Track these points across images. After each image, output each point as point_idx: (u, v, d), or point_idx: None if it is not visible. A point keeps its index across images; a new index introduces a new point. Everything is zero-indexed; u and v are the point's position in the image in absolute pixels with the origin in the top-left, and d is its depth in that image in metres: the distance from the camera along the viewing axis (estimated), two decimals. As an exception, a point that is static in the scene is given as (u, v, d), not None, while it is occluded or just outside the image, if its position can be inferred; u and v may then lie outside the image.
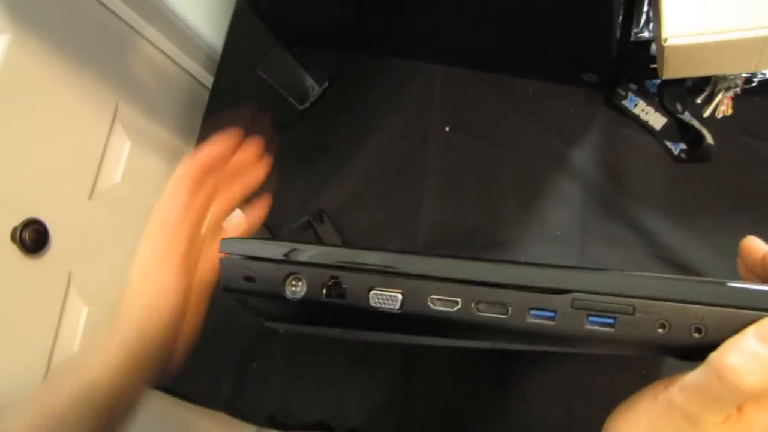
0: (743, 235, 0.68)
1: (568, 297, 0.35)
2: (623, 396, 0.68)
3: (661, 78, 0.69)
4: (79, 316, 0.81)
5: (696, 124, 0.72)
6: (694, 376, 0.32)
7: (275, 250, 0.40)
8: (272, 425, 0.80)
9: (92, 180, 0.84)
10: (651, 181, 0.74)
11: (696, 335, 0.33)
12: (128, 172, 0.89)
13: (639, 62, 0.74)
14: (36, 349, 0.76)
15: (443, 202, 0.81)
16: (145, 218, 0.92)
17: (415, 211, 0.81)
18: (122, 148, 0.90)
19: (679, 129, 0.74)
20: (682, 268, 0.69)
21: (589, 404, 0.69)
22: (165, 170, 0.97)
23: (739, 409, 0.32)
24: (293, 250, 0.40)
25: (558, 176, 0.77)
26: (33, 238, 0.74)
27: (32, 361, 0.75)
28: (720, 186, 0.71)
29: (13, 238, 0.72)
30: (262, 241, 0.42)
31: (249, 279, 0.41)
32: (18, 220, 0.73)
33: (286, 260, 0.40)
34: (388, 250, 0.38)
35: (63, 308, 0.79)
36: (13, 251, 0.72)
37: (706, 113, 0.73)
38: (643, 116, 0.75)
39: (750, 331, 0.31)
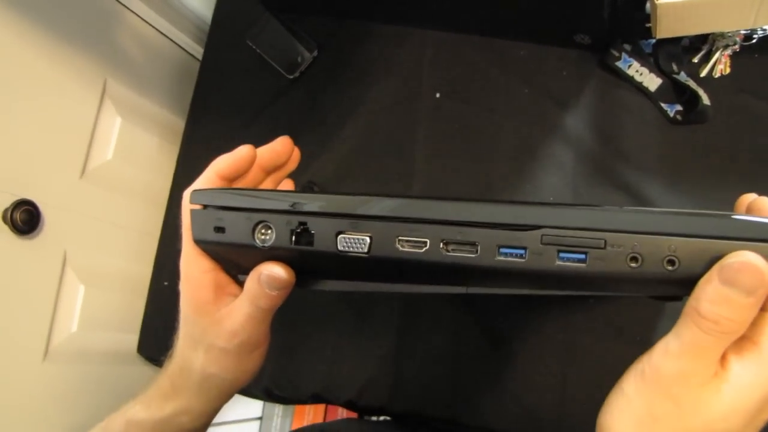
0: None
1: (538, 233, 0.34)
2: (617, 363, 0.67)
3: (655, 37, 0.67)
4: (75, 295, 0.82)
5: (692, 84, 0.70)
6: (674, 336, 0.32)
7: (245, 199, 0.40)
8: (268, 399, 0.81)
9: (83, 158, 0.84)
10: (645, 144, 0.72)
11: (669, 268, 0.32)
12: (120, 149, 0.89)
13: (632, 21, 0.71)
14: (34, 331, 0.76)
15: (434, 170, 0.79)
16: (138, 194, 0.93)
17: (406, 179, 0.80)
18: (113, 124, 0.89)
19: (674, 90, 0.72)
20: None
21: (582, 371, 0.69)
22: (157, 145, 0.97)
23: (723, 363, 0.32)
24: (262, 198, 0.40)
25: (550, 141, 0.75)
26: (24, 219, 0.74)
27: (30, 343, 0.76)
28: (717, 148, 0.69)
29: (4, 219, 0.72)
30: (231, 191, 0.42)
31: (219, 230, 0.41)
32: (8, 201, 0.72)
33: (255, 208, 0.39)
34: (356, 194, 0.38)
35: (59, 288, 0.79)
36: (5, 233, 0.72)
37: (703, 73, 0.71)
38: (637, 77, 0.73)
39: (715, 276, 0.30)
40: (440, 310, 0.75)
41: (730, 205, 0.67)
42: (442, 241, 0.36)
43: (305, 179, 0.84)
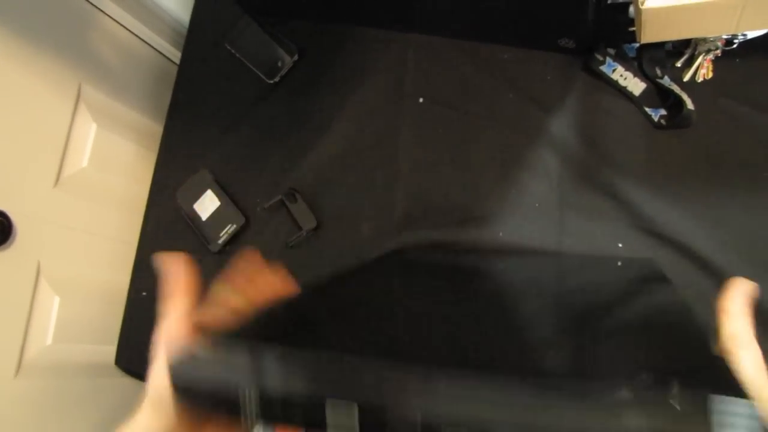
0: (725, 202, 0.67)
1: None
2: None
3: (639, 42, 0.66)
4: (50, 306, 0.79)
5: (676, 88, 0.70)
6: None
7: (227, 382, 0.35)
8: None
9: (57, 166, 0.82)
10: (630, 149, 0.72)
11: None
12: (95, 156, 0.86)
13: (616, 26, 0.71)
14: (6, 345, 0.74)
15: (419, 176, 0.78)
16: (115, 201, 0.90)
17: (390, 185, 0.79)
18: (88, 130, 0.86)
19: (658, 94, 0.72)
20: (662, 238, 0.68)
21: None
22: (134, 151, 0.94)
23: None
24: (249, 389, 0.34)
25: (535, 146, 0.75)
26: (-4, 230, 0.72)
27: (2, 357, 0.73)
28: (701, 153, 0.69)
29: (-26, 231, 0.70)
30: (213, 366, 0.37)
31: (202, 394, 0.36)
32: (-21, 212, 0.70)
33: (240, 404, 0.35)
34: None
35: (33, 300, 0.77)
36: (-24, 245, 0.70)
37: (686, 77, 0.71)
38: (621, 82, 0.73)
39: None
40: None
41: (715, 208, 0.67)
42: None
43: (286, 186, 0.82)
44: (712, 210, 0.67)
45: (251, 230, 0.85)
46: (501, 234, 0.73)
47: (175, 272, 0.40)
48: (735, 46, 0.70)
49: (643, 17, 0.62)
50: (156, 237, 0.91)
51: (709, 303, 0.63)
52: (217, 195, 0.85)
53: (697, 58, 0.71)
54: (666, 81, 0.71)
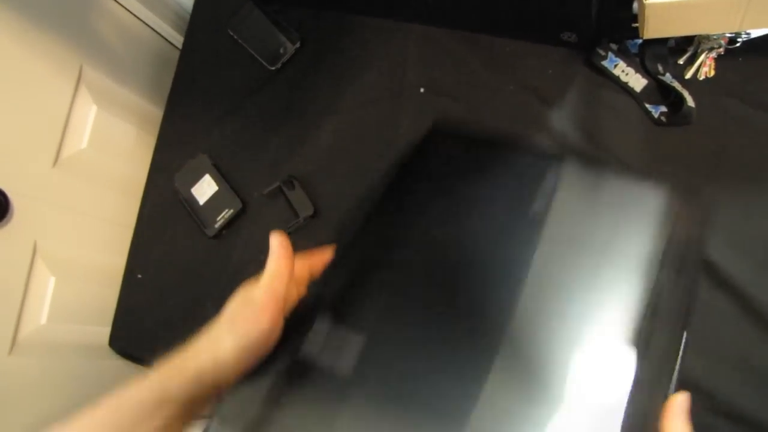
0: (724, 200, 0.67)
1: None
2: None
3: (642, 38, 0.66)
4: (45, 286, 0.79)
5: (677, 86, 0.70)
6: None
7: None
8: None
9: (56, 146, 0.82)
10: (630, 145, 0.71)
11: None
12: (94, 137, 0.86)
13: (620, 21, 0.71)
14: (2, 321, 0.74)
15: (418, 167, 0.78)
16: (113, 184, 0.90)
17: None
18: (88, 112, 0.86)
19: (659, 91, 0.72)
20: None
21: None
22: (133, 134, 0.94)
23: None
24: None
25: (535, 138, 0.75)
26: (-7, 208, 0.72)
27: (-3, 333, 0.74)
28: (700, 150, 0.69)
29: (-28, 208, 0.70)
30: None
31: None
32: (-24, 189, 0.70)
33: None
34: None
35: (28, 279, 0.77)
36: (-27, 222, 0.70)
37: (688, 75, 0.71)
38: (623, 77, 0.72)
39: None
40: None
41: (714, 207, 0.67)
42: None
43: (285, 173, 0.82)
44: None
45: (249, 216, 0.85)
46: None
47: (281, 245, 0.49)
48: (738, 44, 0.70)
49: (647, 13, 0.62)
50: (153, 220, 0.91)
51: (706, 303, 0.64)
52: (215, 180, 0.85)
53: (700, 55, 0.70)
54: (667, 78, 0.70)
